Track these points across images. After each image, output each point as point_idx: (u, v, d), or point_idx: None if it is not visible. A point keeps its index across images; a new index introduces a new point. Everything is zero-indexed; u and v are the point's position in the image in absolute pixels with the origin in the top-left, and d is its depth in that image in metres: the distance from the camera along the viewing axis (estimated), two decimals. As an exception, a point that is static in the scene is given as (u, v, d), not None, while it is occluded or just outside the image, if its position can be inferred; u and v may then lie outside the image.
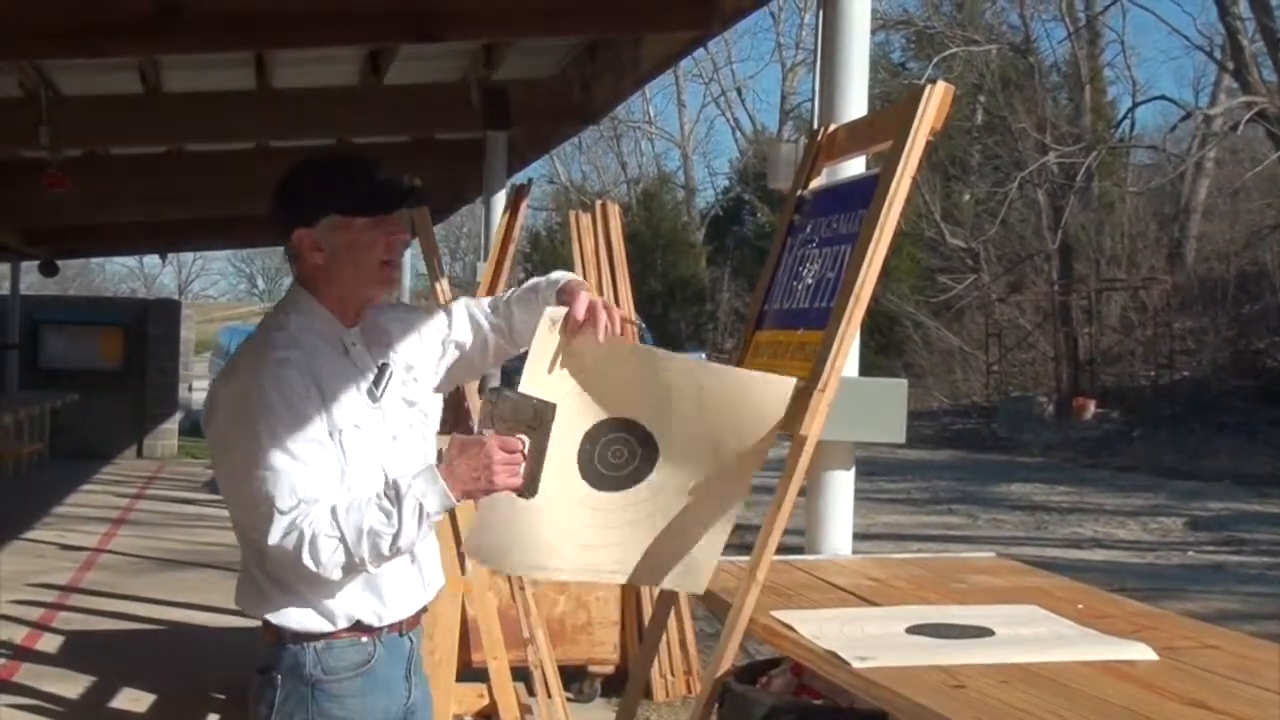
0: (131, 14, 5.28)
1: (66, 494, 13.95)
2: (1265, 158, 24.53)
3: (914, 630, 2.44)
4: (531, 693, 5.06)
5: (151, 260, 45.66)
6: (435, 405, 2.69)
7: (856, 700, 2.26)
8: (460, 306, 2.72)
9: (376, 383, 2.52)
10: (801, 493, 2.70)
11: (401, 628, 2.57)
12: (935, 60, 26.66)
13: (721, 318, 37.20)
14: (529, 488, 2.40)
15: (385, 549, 2.36)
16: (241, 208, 13.25)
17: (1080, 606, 2.68)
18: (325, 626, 2.47)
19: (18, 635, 7.44)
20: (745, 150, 40.40)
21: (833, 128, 3.20)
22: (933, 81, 2.65)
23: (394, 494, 2.36)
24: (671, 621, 6.11)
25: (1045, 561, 8.28)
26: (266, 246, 45.36)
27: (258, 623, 2.52)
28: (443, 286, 5.20)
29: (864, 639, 2.38)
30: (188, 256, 60.19)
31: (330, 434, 2.43)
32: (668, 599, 3.25)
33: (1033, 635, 2.41)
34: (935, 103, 2.60)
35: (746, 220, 39.52)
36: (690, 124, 43.48)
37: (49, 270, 17.20)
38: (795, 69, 38.65)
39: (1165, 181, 26.43)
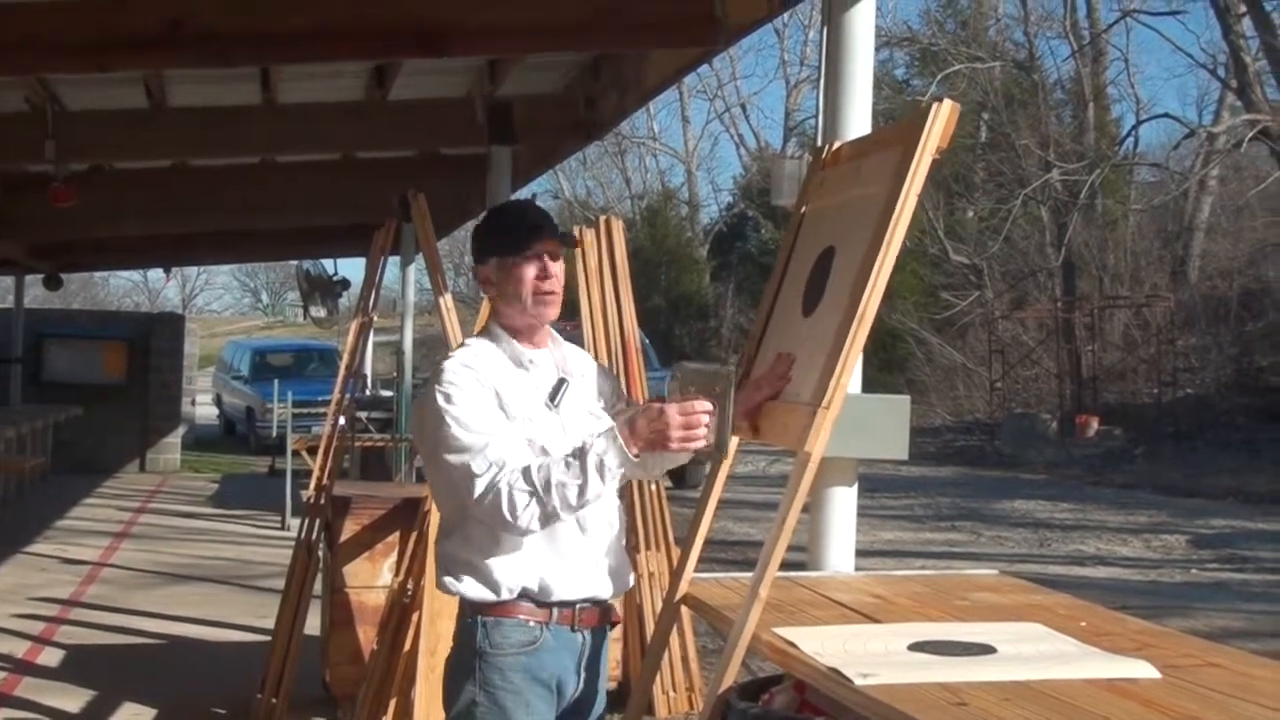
0: (138, 29, 5.30)
1: (69, 508, 13.95)
2: (1268, 175, 24.50)
3: (916, 647, 2.44)
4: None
5: (155, 274, 45.77)
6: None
7: (859, 717, 2.26)
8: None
9: (553, 394, 2.91)
10: (804, 509, 2.69)
11: (573, 621, 2.88)
12: (939, 77, 26.68)
13: (725, 334, 37.17)
14: (719, 448, 2.71)
15: (573, 500, 2.70)
16: (246, 222, 13.29)
17: (1083, 624, 2.68)
18: (493, 596, 2.82)
19: (19, 649, 7.44)
20: (749, 166, 40.38)
21: (837, 144, 3.21)
22: (938, 99, 2.65)
23: (579, 451, 2.73)
24: (674, 637, 6.10)
25: (1048, 579, 8.27)
26: (271, 261, 45.46)
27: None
28: (446, 302, 5.21)
29: (866, 656, 2.38)
30: (192, 271, 60.22)
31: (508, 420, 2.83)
32: (670, 615, 3.24)
33: (1035, 653, 2.41)
34: (942, 121, 2.61)
35: (750, 236, 39.47)
36: (694, 140, 43.44)
37: (53, 284, 17.22)
38: (799, 86, 38.70)
39: (1169, 199, 26.40)
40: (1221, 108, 26.81)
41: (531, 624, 2.84)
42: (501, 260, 2.92)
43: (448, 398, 2.80)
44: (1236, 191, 27.48)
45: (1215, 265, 26.31)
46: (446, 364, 2.87)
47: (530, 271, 2.90)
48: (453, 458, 2.77)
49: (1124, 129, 29.51)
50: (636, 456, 2.73)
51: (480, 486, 2.72)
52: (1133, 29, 28.29)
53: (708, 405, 2.68)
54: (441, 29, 5.72)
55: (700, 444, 2.69)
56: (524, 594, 2.84)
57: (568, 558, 2.87)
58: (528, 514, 2.71)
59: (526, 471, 2.72)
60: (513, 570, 2.83)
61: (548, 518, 2.72)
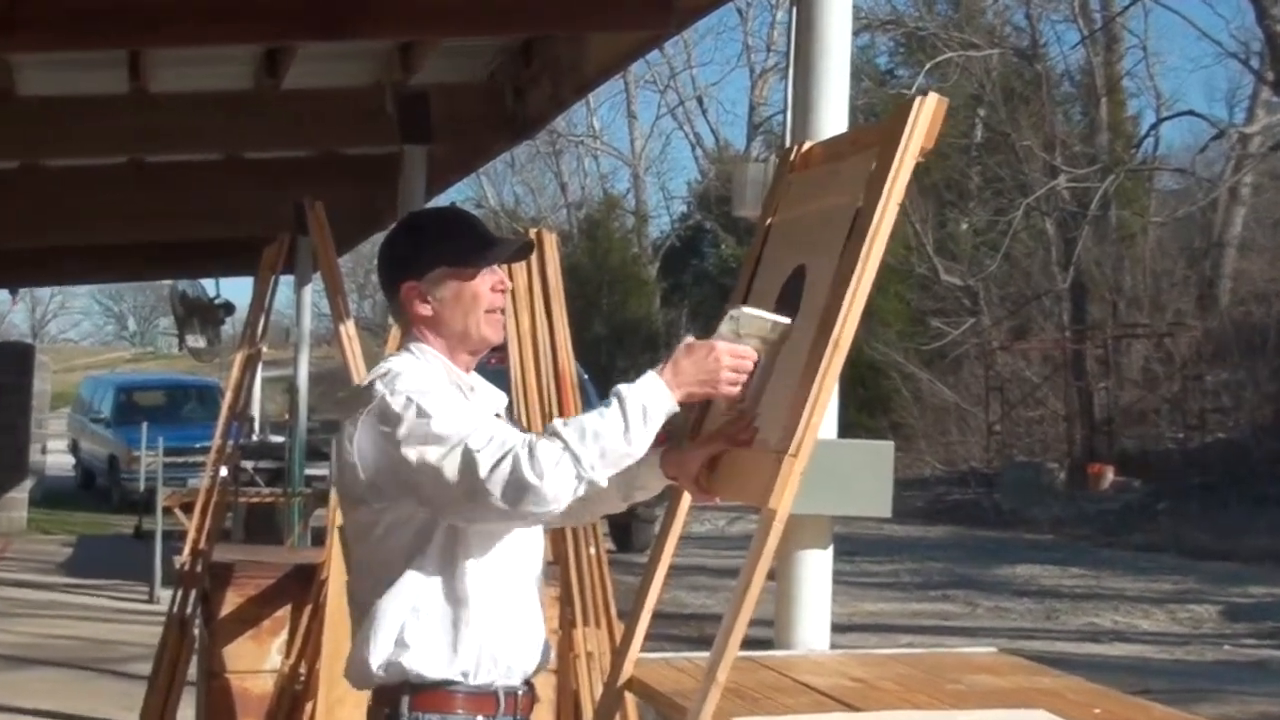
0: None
1: (-109, 576, 13.77)
2: (1310, 184, 24.93)
3: (903, 740, 2.44)
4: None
5: None
6: None
7: (835, 824, 2.25)
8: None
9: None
10: (770, 576, 2.69)
11: (515, 710, 2.91)
12: (928, 66, 26.95)
13: (678, 367, 37.23)
14: (752, 399, 2.75)
15: (614, 449, 2.64)
16: (110, 234, 13.18)
17: (1097, 711, 2.69)
18: (446, 673, 2.82)
19: None
20: (707, 170, 40.62)
21: (808, 145, 3.22)
22: (924, 92, 2.67)
23: (615, 399, 2.67)
24: (617, 728, 6.07)
25: (1056, 657, 8.32)
26: (139, 281, 45.04)
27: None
28: (348, 329, 5.19)
29: (844, 751, 2.37)
30: (44, 292, 59.75)
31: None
32: (612, 702, 3.23)
33: (1042, 746, 2.42)
34: (925, 117, 2.62)
35: (708, 253, 39.72)
36: (642, 139, 43.59)
37: (-125, 307, 17.06)
38: (765, 76, 38.97)
39: (1195, 210, 26.75)
40: (1255, 104, 27.19)
41: (479, 719, 2.87)
42: (454, 272, 2.92)
43: (414, 394, 2.77)
44: (1273, 202, 27.88)
45: (1249, 288, 26.64)
46: (392, 369, 2.85)
47: (487, 286, 2.94)
48: (439, 447, 2.70)
49: (1142, 128, 29.95)
50: (680, 403, 2.70)
51: (487, 459, 2.64)
52: (1151, 11, 28.61)
53: (754, 356, 2.74)
54: (344, 6, 5.72)
55: (735, 390, 2.74)
56: (475, 674, 2.84)
57: (516, 626, 2.91)
58: (559, 474, 2.61)
59: (549, 430, 2.68)
60: (466, 638, 2.83)
61: (581, 478, 2.63)
